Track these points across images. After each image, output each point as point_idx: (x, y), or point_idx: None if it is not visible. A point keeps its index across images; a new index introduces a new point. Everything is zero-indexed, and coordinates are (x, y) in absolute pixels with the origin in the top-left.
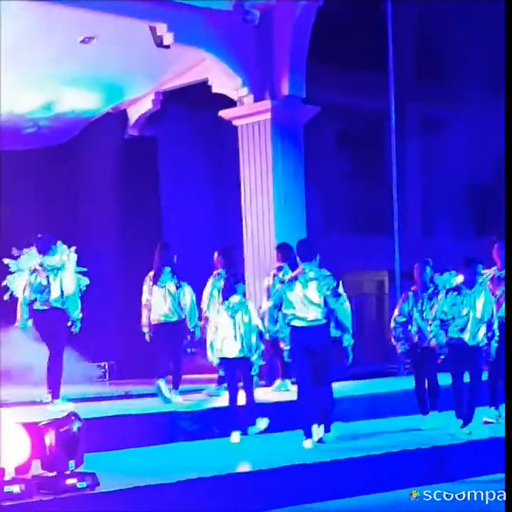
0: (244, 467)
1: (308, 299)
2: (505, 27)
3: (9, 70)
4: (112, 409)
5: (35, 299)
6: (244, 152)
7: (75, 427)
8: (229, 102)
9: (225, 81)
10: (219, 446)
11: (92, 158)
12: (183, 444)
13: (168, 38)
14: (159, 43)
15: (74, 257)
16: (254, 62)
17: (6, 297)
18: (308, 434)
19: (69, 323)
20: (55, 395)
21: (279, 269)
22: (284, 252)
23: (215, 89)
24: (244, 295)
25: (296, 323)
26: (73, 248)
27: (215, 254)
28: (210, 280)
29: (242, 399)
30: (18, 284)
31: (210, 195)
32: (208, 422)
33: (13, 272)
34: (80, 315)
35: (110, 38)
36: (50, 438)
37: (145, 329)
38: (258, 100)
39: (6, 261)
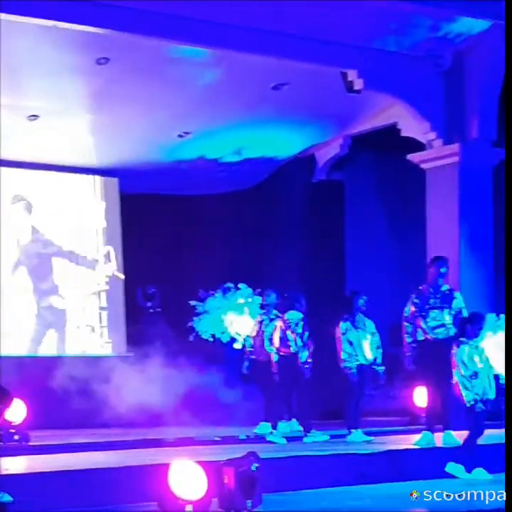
0: None
1: None
2: (505, 27)
3: (201, 116)
4: (290, 450)
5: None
6: (431, 195)
7: (254, 466)
8: (416, 146)
9: (414, 125)
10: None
11: (280, 202)
12: (362, 487)
13: (358, 84)
14: (350, 88)
15: (257, 299)
16: (444, 106)
17: (191, 338)
18: None
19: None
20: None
21: None
22: None
23: (403, 133)
24: None
25: None
26: (258, 291)
27: None
28: None
29: None
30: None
31: (395, 240)
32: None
33: (200, 314)
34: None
35: (302, 83)
36: (228, 477)
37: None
38: (447, 144)
39: (192, 303)
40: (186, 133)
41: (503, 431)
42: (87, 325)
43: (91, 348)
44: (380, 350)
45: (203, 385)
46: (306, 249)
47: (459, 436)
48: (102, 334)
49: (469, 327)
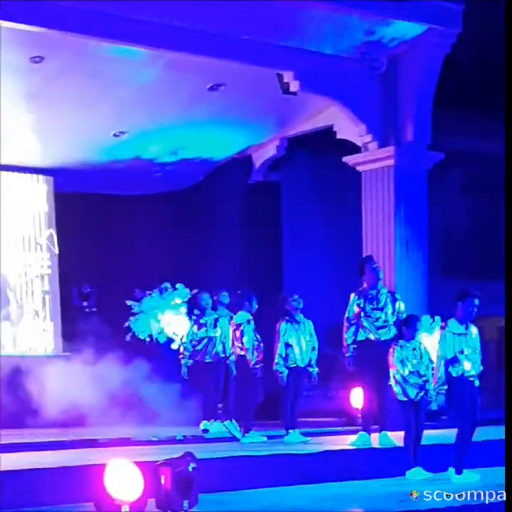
0: None
1: None
2: (506, 27)
3: (136, 115)
4: (227, 450)
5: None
6: (366, 197)
7: (190, 467)
8: (352, 148)
9: (350, 127)
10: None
11: (216, 203)
12: (300, 487)
13: (294, 86)
14: (286, 90)
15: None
16: (379, 109)
17: (127, 338)
18: None
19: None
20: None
21: None
22: None
23: (339, 136)
24: None
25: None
26: (195, 291)
27: None
28: None
29: None
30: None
31: (332, 240)
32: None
33: (136, 314)
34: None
35: (238, 85)
36: (165, 477)
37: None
38: (382, 146)
39: (128, 303)
40: (122, 132)
41: (438, 431)
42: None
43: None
44: (315, 352)
45: (140, 385)
46: (243, 250)
47: (395, 436)
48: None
49: (405, 329)
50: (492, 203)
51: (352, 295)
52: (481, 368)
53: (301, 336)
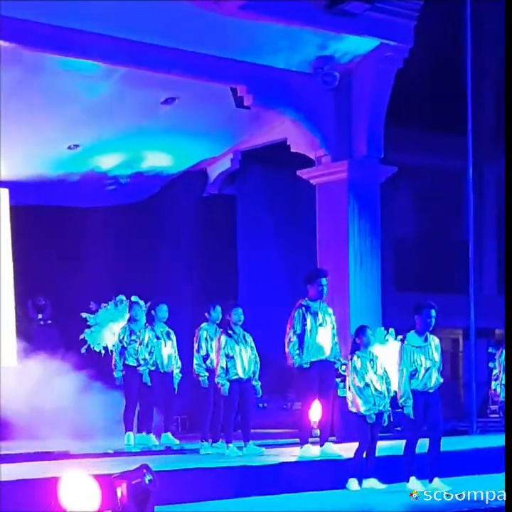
0: None
1: None
2: (506, 27)
3: (91, 128)
4: (183, 462)
5: None
6: (321, 211)
7: (147, 479)
8: (307, 162)
9: (303, 141)
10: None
11: (171, 216)
12: (254, 499)
13: (248, 100)
14: (239, 103)
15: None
16: (332, 123)
17: (83, 350)
18: None
19: None
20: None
21: None
22: None
23: (293, 149)
24: None
25: None
26: (148, 304)
27: None
28: None
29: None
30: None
31: (287, 254)
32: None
33: (91, 326)
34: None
35: (192, 98)
36: (121, 490)
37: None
38: (336, 160)
39: (84, 315)
40: (76, 145)
41: (392, 443)
42: None
43: None
44: (258, 365)
45: (94, 397)
46: (198, 263)
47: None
48: None
49: (358, 340)
50: (442, 217)
51: (299, 310)
52: (441, 379)
53: (242, 347)
